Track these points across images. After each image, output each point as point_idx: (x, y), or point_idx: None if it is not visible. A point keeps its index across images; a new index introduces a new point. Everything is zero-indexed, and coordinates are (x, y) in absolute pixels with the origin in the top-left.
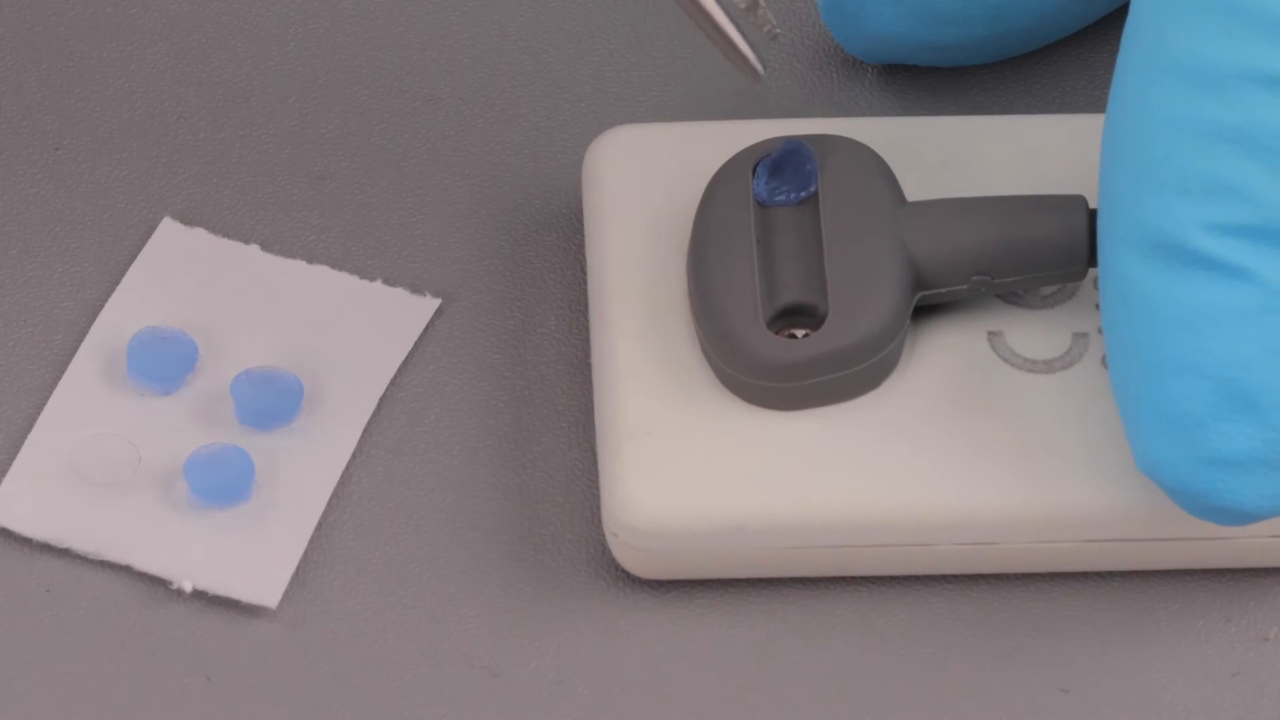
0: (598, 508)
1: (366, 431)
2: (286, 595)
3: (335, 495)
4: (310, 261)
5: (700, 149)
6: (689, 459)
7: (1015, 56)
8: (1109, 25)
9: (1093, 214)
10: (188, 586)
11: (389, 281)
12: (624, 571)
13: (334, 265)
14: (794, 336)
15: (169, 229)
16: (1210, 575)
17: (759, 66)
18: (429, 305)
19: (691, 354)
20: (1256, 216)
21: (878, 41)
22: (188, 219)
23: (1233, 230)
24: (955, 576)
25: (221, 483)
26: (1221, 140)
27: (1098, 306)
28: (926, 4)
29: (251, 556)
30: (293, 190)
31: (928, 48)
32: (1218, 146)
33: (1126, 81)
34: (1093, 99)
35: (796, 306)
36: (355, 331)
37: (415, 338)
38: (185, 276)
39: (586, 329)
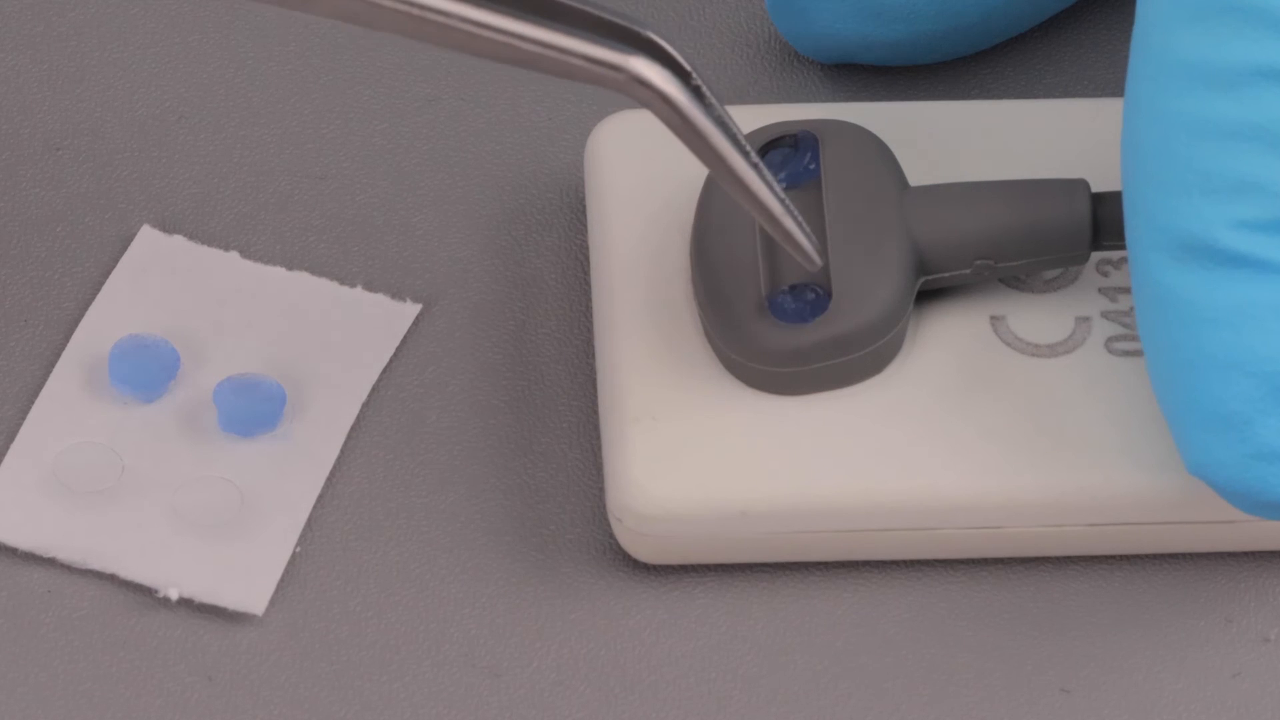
0: (600, 505)
1: (366, 432)
2: (288, 596)
3: (335, 495)
4: (309, 263)
5: None
6: (693, 444)
7: (1002, 52)
8: (1101, 17)
9: (1095, 197)
10: (173, 595)
11: (386, 282)
12: (627, 567)
13: (336, 265)
14: None
15: (148, 236)
16: (1211, 575)
17: (815, 256)
18: (410, 310)
19: (695, 339)
20: None
21: (825, 40)
22: (180, 223)
23: (1260, 226)
24: (957, 575)
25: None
26: (1241, 139)
27: (1100, 290)
28: (871, 1)
29: (237, 564)
30: (293, 190)
31: (876, 45)
32: (1238, 145)
33: (1140, 89)
34: (1090, 85)
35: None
36: (337, 338)
37: (397, 343)
38: (165, 284)
39: (588, 328)
